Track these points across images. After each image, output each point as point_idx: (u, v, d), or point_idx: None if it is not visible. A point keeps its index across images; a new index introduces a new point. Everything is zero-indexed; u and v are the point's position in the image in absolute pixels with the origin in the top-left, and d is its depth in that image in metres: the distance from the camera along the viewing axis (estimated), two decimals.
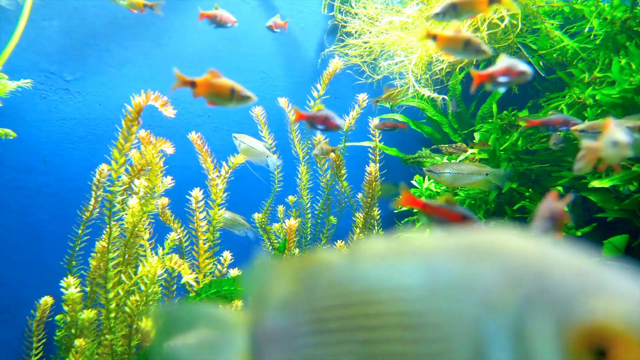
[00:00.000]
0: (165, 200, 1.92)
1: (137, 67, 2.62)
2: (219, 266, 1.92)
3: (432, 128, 3.15)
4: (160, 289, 1.66)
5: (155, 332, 0.53)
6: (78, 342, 1.53)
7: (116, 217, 1.63)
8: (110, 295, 1.60)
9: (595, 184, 1.87)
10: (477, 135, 2.59)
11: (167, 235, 1.78)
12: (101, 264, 1.63)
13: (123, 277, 1.62)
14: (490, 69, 1.42)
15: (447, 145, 2.82)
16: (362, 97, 2.30)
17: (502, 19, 2.53)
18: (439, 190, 2.52)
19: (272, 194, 2.38)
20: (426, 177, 2.59)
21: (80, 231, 1.95)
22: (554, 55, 2.54)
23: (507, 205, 2.28)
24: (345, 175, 2.34)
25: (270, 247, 2.31)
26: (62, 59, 2.43)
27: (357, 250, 0.45)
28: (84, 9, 2.49)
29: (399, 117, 3.11)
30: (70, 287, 1.62)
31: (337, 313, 0.44)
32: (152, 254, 1.71)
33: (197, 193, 1.87)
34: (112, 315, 1.60)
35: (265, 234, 2.33)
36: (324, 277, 0.46)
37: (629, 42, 2.15)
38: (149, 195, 1.69)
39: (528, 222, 2.06)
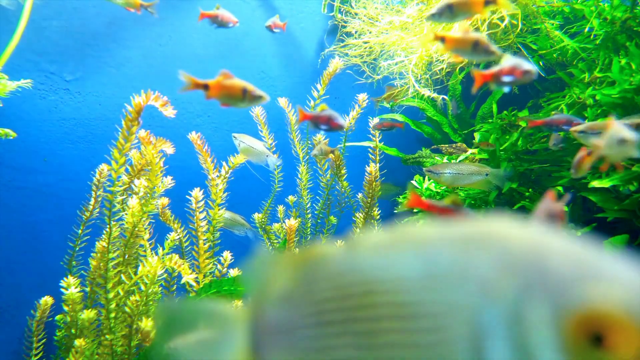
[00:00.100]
0: (165, 200, 1.92)
1: (137, 67, 2.62)
2: (219, 266, 1.92)
3: (432, 128, 3.15)
4: (160, 289, 1.66)
5: (157, 328, 0.53)
6: (78, 342, 1.53)
7: (116, 217, 1.63)
8: (110, 295, 1.60)
9: (595, 184, 1.87)
10: (477, 135, 2.59)
11: (167, 235, 1.78)
12: (101, 264, 1.63)
13: (123, 277, 1.62)
14: (494, 69, 1.40)
15: (447, 145, 2.82)
16: (362, 97, 2.30)
17: (502, 19, 2.53)
18: (439, 190, 2.52)
19: (272, 194, 2.38)
20: (426, 177, 2.59)
21: (80, 231, 1.95)
22: (554, 55, 2.54)
23: (507, 205, 2.28)
24: (345, 175, 2.34)
25: (270, 247, 2.31)
26: (62, 59, 2.43)
27: (355, 242, 0.46)
28: (84, 9, 2.49)
29: (398, 117, 3.11)
30: (70, 287, 1.62)
31: (335, 305, 0.44)
32: (152, 254, 1.71)
33: (197, 193, 1.87)
34: (112, 315, 1.60)
35: (265, 234, 2.33)
36: (322, 269, 0.46)
37: (629, 42, 2.15)
38: (149, 195, 1.69)
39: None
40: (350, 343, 0.42)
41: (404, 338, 0.39)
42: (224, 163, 1.95)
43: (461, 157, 2.58)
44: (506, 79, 1.38)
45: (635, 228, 1.84)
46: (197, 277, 1.71)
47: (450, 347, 0.37)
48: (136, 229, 1.63)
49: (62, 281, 1.64)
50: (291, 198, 2.45)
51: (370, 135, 2.29)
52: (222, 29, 2.27)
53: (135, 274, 1.63)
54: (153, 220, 1.78)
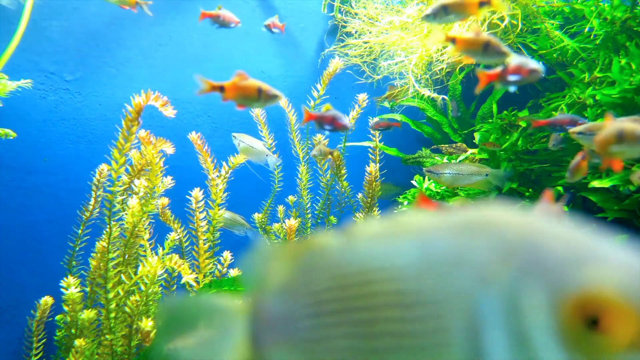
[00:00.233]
0: (165, 200, 1.92)
1: (137, 67, 2.62)
2: (219, 266, 1.92)
3: (432, 128, 3.15)
4: (160, 289, 1.66)
5: (158, 328, 0.54)
6: (78, 342, 1.54)
7: (116, 217, 1.63)
8: (110, 295, 1.60)
9: (595, 184, 1.87)
10: (477, 135, 2.59)
11: (167, 235, 1.78)
12: (101, 264, 1.63)
13: (123, 277, 1.62)
14: (500, 68, 1.39)
15: (447, 145, 2.82)
16: (362, 97, 2.30)
17: (502, 19, 2.53)
18: (439, 190, 2.52)
19: (272, 194, 2.38)
20: (426, 177, 2.59)
21: (80, 231, 1.95)
22: (554, 55, 2.54)
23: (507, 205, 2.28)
24: (345, 175, 2.34)
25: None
26: (62, 59, 2.43)
27: (352, 232, 0.46)
28: (84, 9, 2.49)
29: (398, 117, 3.11)
30: (70, 287, 1.62)
31: (333, 295, 0.44)
32: (152, 254, 1.71)
33: (197, 193, 1.87)
34: (112, 315, 1.60)
35: (265, 234, 2.33)
36: (320, 260, 0.46)
37: (629, 42, 2.15)
38: (149, 195, 1.69)
39: None
40: (349, 333, 0.42)
41: (402, 326, 0.39)
42: (224, 163, 1.95)
43: (461, 157, 2.58)
44: (512, 78, 1.36)
45: (635, 228, 1.84)
46: (197, 277, 1.71)
47: (448, 334, 0.37)
48: (136, 229, 1.63)
49: (62, 281, 1.64)
50: (291, 198, 2.45)
51: (370, 135, 2.29)
52: (223, 29, 2.27)
53: (135, 274, 1.63)
54: (153, 220, 1.78)
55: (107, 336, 1.60)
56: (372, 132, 2.26)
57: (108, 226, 1.61)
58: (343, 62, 2.35)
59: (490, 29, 2.58)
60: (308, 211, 2.49)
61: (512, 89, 1.42)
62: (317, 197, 2.51)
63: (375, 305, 0.41)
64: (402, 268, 0.40)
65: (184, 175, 2.00)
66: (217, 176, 1.92)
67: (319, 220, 2.51)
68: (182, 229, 1.94)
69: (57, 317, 1.83)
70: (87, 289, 1.79)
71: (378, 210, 2.20)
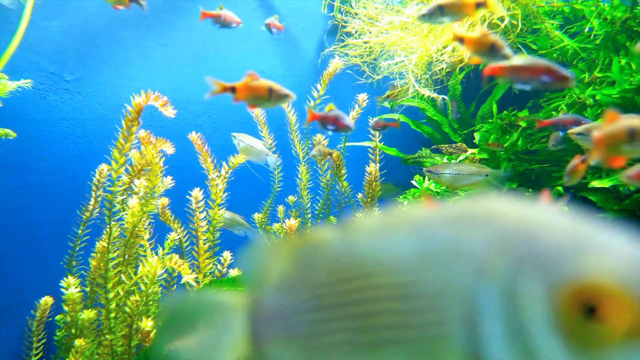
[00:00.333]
0: (165, 200, 1.92)
1: (137, 67, 2.62)
2: (219, 266, 1.92)
3: (432, 128, 3.15)
4: (160, 289, 1.66)
5: (158, 327, 0.54)
6: (78, 342, 1.54)
7: (116, 217, 1.63)
8: (110, 295, 1.60)
9: (595, 184, 1.87)
10: (477, 135, 2.59)
11: (167, 235, 1.78)
12: (101, 264, 1.63)
13: (123, 277, 1.62)
14: (511, 63, 1.37)
15: (447, 146, 2.82)
16: (362, 97, 2.30)
17: (502, 19, 2.53)
18: (438, 191, 2.52)
19: (272, 194, 2.38)
20: (426, 177, 2.59)
21: (80, 231, 1.95)
22: (554, 55, 2.54)
23: None
24: (345, 175, 2.34)
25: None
26: (62, 59, 2.43)
27: (349, 226, 0.46)
28: (84, 9, 2.49)
29: (397, 116, 3.11)
30: (70, 287, 1.62)
31: (332, 289, 0.44)
32: (152, 254, 1.71)
33: (197, 193, 1.87)
34: (112, 315, 1.60)
35: (265, 234, 2.33)
36: (318, 254, 0.46)
37: (629, 42, 2.15)
38: (149, 195, 1.69)
39: None
40: (347, 326, 0.42)
41: (400, 319, 0.39)
42: (224, 163, 1.95)
43: (461, 157, 2.58)
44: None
45: (635, 228, 1.84)
46: (197, 277, 1.71)
47: (445, 326, 0.37)
48: (136, 229, 1.63)
49: (62, 281, 1.64)
50: (291, 198, 2.45)
51: (370, 135, 2.29)
52: (224, 29, 2.27)
53: (135, 274, 1.63)
54: (153, 220, 1.78)
55: (107, 336, 1.60)
56: (372, 132, 2.26)
57: (108, 226, 1.61)
58: (343, 62, 2.35)
59: (490, 29, 2.58)
60: (308, 211, 2.49)
61: (527, 87, 1.39)
62: (317, 197, 2.51)
63: (372, 298, 0.41)
64: (399, 261, 0.40)
65: (184, 175, 2.00)
66: (217, 176, 1.92)
67: (319, 220, 2.51)
68: (182, 229, 1.94)
69: (57, 317, 1.83)
70: (87, 289, 1.79)
71: (378, 211, 2.20)
